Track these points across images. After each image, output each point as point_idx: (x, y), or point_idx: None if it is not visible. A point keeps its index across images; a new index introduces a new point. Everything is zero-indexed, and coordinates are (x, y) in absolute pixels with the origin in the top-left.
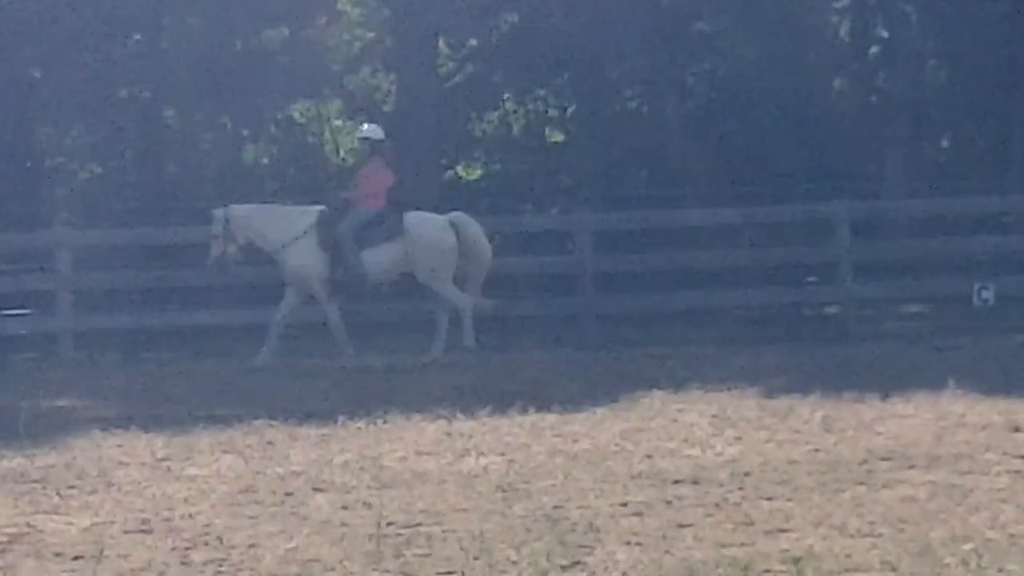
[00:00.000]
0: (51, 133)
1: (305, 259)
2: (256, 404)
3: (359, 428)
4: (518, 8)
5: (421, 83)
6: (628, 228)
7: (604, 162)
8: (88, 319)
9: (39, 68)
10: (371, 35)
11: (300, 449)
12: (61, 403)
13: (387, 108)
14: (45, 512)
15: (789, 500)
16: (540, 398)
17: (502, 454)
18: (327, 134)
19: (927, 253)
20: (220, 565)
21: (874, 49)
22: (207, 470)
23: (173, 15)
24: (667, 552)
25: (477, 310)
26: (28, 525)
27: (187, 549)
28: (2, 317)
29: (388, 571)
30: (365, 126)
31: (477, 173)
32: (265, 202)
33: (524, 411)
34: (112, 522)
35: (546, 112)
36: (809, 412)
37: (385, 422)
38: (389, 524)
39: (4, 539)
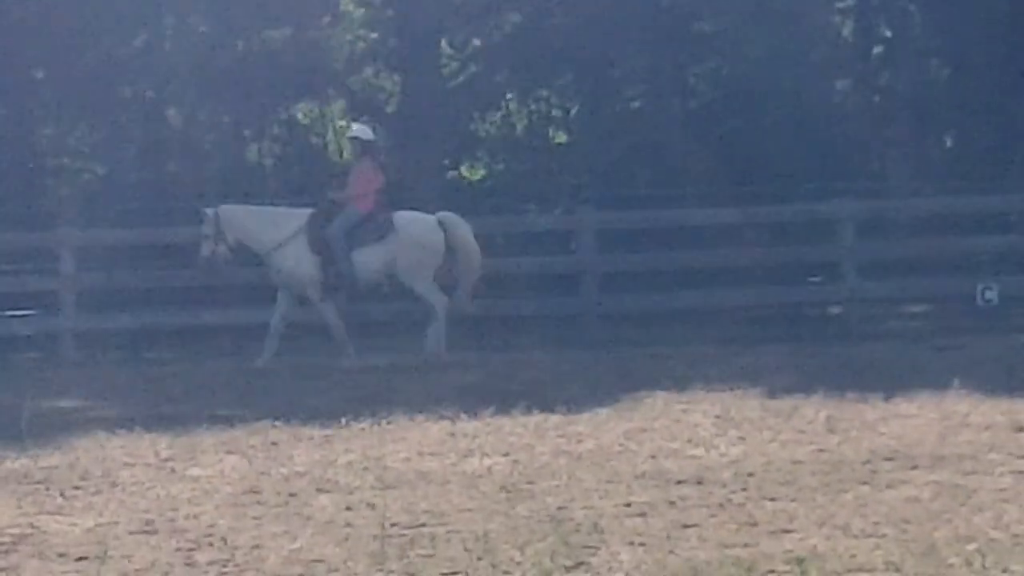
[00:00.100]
0: (53, 133)
1: (295, 261)
2: (260, 404)
3: (363, 428)
4: (521, 8)
5: (424, 83)
6: (631, 228)
7: (607, 162)
8: (91, 319)
9: (41, 68)
10: (374, 35)
11: (304, 449)
12: (64, 403)
13: (390, 108)
14: (49, 513)
15: (793, 500)
16: (543, 398)
17: (506, 454)
18: (330, 135)
19: (930, 252)
20: (224, 566)
21: (877, 49)
22: (211, 470)
23: (176, 15)
24: (671, 552)
25: (464, 313)
26: (32, 526)
27: (191, 550)
28: (5, 317)
29: (392, 571)
30: (354, 126)
31: (480, 173)
32: (268, 203)
33: (527, 411)
34: (116, 523)
35: (549, 112)
36: (813, 412)
37: (389, 422)
38: (393, 524)
39: (8, 540)
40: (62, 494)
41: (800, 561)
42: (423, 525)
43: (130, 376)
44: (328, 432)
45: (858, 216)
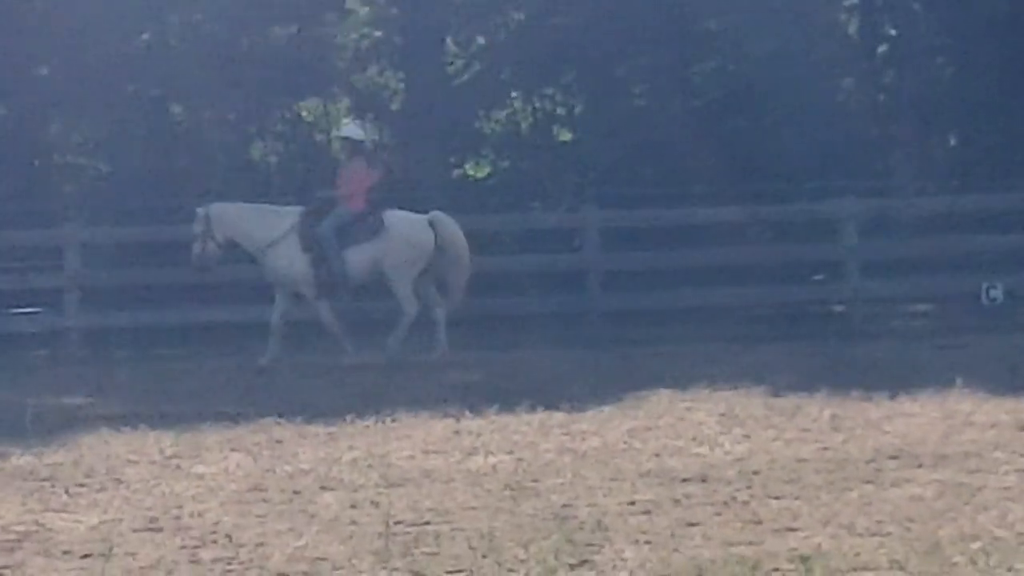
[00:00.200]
0: (59, 130)
1: (288, 260)
2: (264, 402)
3: (367, 426)
4: (525, 6)
5: (429, 81)
6: (635, 226)
7: (611, 160)
8: (96, 317)
9: (46, 65)
10: (379, 33)
11: (308, 447)
12: (69, 401)
13: (395, 106)
14: (54, 510)
15: (797, 499)
16: (547, 396)
17: (510, 452)
18: (334, 132)
19: (934, 251)
20: (229, 563)
21: (882, 47)
22: (216, 468)
23: (181, 12)
24: (675, 551)
25: (456, 312)
26: (37, 523)
27: (196, 547)
28: (10, 314)
29: (396, 569)
30: (345, 126)
31: (485, 171)
32: (271, 201)
33: (532, 409)
34: (121, 520)
35: (554, 110)
36: (817, 410)
37: (393, 420)
38: (397, 522)
39: (13, 537)
40: (67, 491)
41: (804, 559)
42: (427, 523)
43: (135, 373)
44: (332, 430)
45: (862, 215)
